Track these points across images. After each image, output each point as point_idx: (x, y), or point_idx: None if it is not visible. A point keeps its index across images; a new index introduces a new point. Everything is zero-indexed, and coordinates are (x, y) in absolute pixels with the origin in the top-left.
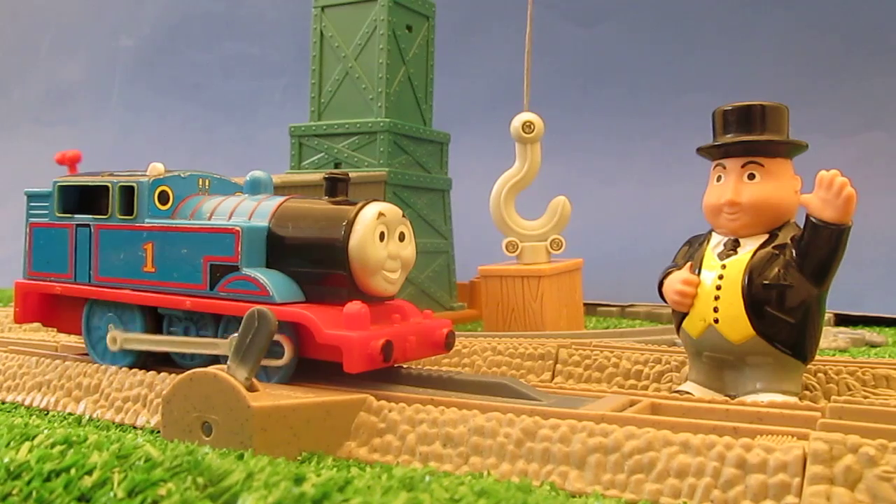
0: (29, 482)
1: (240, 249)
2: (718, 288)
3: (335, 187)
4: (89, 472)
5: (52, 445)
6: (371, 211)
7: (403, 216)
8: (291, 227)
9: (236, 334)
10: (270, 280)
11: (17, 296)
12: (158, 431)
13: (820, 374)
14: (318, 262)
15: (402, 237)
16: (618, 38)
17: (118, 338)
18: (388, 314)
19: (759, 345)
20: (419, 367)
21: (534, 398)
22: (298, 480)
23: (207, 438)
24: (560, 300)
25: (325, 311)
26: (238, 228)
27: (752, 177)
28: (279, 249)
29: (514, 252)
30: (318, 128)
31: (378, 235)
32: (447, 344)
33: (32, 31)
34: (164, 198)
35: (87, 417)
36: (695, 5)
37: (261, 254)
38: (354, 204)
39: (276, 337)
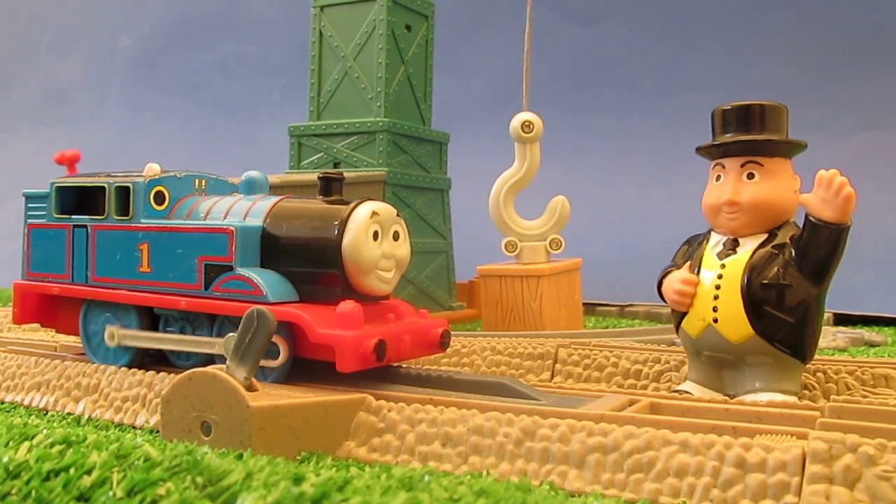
0: (28, 482)
1: (234, 249)
2: (718, 287)
3: (330, 187)
4: (88, 472)
5: (52, 445)
6: (364, 210)
7: (398, 215)
8: (285, 226)
9: (233, 333)
10: (264, 280)
11: (15, 296)
12: (157, 431)
13: (819, 374)
14: (311, 262)
15: (396, 236)
16: (617, 37)
17: (116, 334)
18: (383, 313)
19: (758, 344)
20: (418, 366)
21: (533, 398)
22: (297, 480)
23: (206, 438)
24: (559, 300)
25: (318, 310)
26: (232, 228)
27: (751, 176)
28: (273, 249)
29: (513, 252)
30: (318, 127)
31: (372, 235)
32: (442, 343)
33: (31, 31)
34: (160, 198)
35: (86, 417)
36: (694, 5)
37: (255, 253)
38: (348, 203)
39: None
